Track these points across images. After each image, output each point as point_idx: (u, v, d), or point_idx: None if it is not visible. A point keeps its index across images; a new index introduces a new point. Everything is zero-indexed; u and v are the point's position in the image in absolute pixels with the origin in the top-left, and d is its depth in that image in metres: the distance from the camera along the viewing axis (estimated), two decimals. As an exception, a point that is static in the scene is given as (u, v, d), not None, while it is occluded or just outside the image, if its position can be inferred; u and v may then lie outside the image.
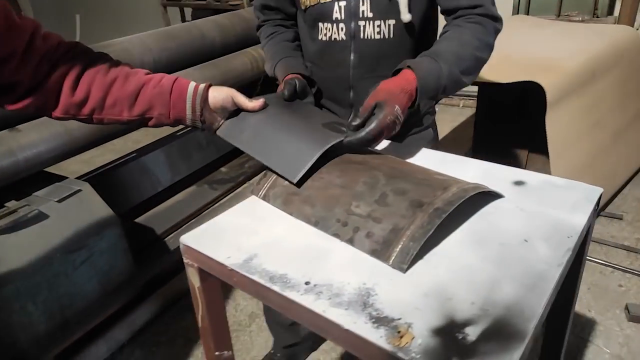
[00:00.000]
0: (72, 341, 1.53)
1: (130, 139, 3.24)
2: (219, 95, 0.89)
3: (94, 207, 1.60)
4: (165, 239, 2.14)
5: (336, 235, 0.73)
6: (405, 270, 0.65)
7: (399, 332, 0.55)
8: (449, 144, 3.11)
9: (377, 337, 0.55)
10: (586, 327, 1.70)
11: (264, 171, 0.88)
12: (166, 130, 2.54)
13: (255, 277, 0.65)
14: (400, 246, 0.67)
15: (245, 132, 0.88)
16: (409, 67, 0.89)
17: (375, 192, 0.75)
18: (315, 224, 0.76)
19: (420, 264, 0.67)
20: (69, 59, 0.82)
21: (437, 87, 0.90)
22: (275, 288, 0.63)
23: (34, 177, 1.60)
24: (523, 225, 0.74)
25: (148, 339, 1.68)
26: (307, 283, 0.64)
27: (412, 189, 0.74)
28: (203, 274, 0.74)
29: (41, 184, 1.61)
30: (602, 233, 2.18)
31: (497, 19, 0.98)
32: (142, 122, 0.88)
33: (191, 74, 2.02)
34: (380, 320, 0.57)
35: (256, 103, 0.91)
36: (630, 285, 1.88)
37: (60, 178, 1.66)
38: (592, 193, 0.81)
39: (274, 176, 0.86)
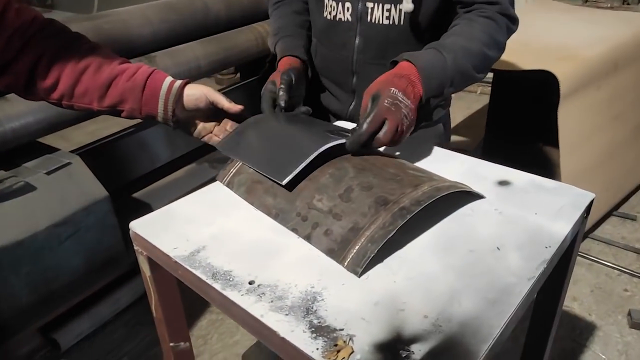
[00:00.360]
0: (56, 315, 1.53)
1: (137, 112, 3.24)
2: (194, 94, 0.83)
3: (83, 181, 1.58)
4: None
5: (295, 230, 0.68)
6: (359, 274, 0.60)
7: (336, 345, 0.50)
8: (462, 132, 3.00)
9: (313, 349, 0.50)
10: (585, 331, 1.63)
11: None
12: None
13: (197, 272, 0.61)
14: (357, 247, 0.61)
15: (242, 144, 0.82)
16: (406, 59, 0.82)
17: (341, 185, 0.69)
18: (275, 217, 0.71)
19: (377, 268, 0.61)
20: (42, 37, 0.78)
21: (443, 79, 0.82)
22: (216, 286, 0.59)
23: (26, 147, 1.58)
24: (498, 230, 0.67)
25: (132, 318, 1.67)
26: (251, 282, 0.59)
27: (379, 185, 0.68)
28: (153, 263, 0.70)
29: (34, 154, 1.59)
30: (613, 234, 2.08)
31: (514, 20, 0.92)
32: (113, 113, 0.84)
33: (192, 48, 1.97)
34: (320, 330, 0.52)
35: (236, 107, 0.85)
36: (636, 290, 1.79)
37: (52, 150, 1.63)
38: (581, 199, 0.73)
39: (240, 162, 0.81)
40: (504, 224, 0.68)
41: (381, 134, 0.73)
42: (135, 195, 2.15)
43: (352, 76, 1.04)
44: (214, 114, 0.87)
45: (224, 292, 0.58)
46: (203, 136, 0.89)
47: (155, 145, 2.22)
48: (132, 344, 1.61)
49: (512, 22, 0.92)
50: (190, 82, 0.85)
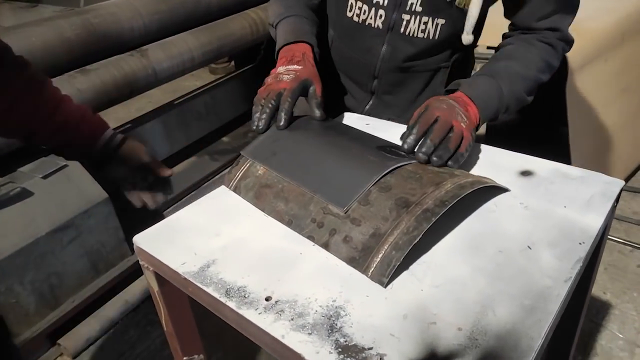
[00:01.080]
0: (64, 320, 1.50)
1: (133, 107, 3.17)
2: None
3: (81, 184, 1.53)
4: (164, 212, 2.08)
5: (310, 237, 0.64)
6: (385, 285, 0.56)
7: (366, 367, 0.46)
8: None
9: (341, 372, 0.46)
10: (600, 310, 1.61)
11: (237, 158, 0.78)
12: (163, 100, 2.45)
13: (209, 290, 0.57)
14: (381, 255, 0.57)
15: (278, 155, 0.74)
16: (461, 90, 0.80)
17: (357, 187, 0.65)
18: (289, 224, 0.67)
19: (402, 276, 0.57)
20: None
21: (499, 107, 0.82)
22: (231, 304, 0.55)
23: (20, 150, 1.53)
24: (527, 227, 0.63)
25: (142, 318, 1.64)
26: (267, 299, 0.55)
27: (398, 184, 0.63)
28: (161, 277, 0.66)
29: (28, 158, 1.54)
30: (624, 209, 2.04)
31: (570, 43, 0.90)
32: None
33: (185, 39, 1.90)
34: (347, 350, 0.48)
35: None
36: (650, 267, 1.77)
37: (48, 152, 1.58)
38: (611, 187, 0.69)
39: (247, 164, 0.76)
40: (532, 219, 0.64)
41: (435, 127, 0.70)
42: (136, 192, 2.11)
43: (373, 80, 0.98)
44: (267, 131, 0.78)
45: (240, 311, 0.54)
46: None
47: (153, 140, 2.17)
48: (144, 345, 1.58)
49: (568, 46, 0.90)
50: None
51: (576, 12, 0.88)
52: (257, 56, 2.55)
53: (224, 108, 2.46)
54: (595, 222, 0.63)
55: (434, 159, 0.68)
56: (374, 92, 1.01)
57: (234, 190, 0.75)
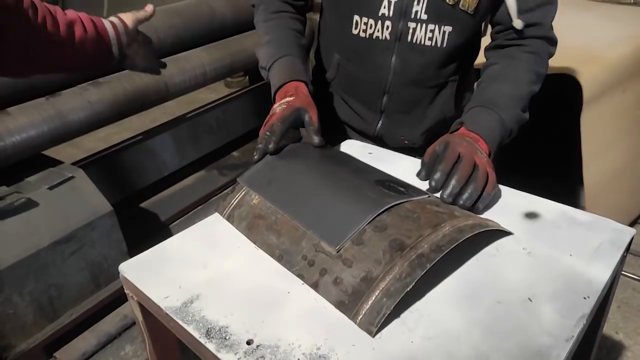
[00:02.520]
0: (60, 333, 1.49)
1: (147, 117, 3.19)
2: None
3: (86, 196, 1.53)
4: (170, 226, 2.08)
5: (300, 276, 0.61)
6: (374, 334, 0.53)
7: None
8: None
9: None
10: (612, 351, 1.54)
11: (233, 185, 0.77)
12: (178, 111, 2.46)
13: (190, 329, 0.54)
14: (371, 302, 0.54)
15: (274, 184, 0.72)
16: (466, 128, 0.82)
17: (351, 224, 0.62)
18: (279, 259, 0.64)
19: (392, 324, 0.54)
20: None
21: (503, 135, 0.83)
22: (210, 347, 0.52)
23: (30, 160, 1.54)
24: (529, 276, 0.60)
25: (139, 334, 1.62)
26: (249, 342, 0.52)
27: (394, 224, 0.61)
28: (145, 309, 0.64)
29: (37, 167, 1.55)
30: (639, 243, 1.97)
31: (554, 42, 0.89)
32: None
33: (198, 54, 1.91)
34: (327, 406, 0.46)
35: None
36: (666, 306, 1.70)
37: (56, 163, 1.59)
38: (620, 235, 0.65)
39: (242, 192, 0.74)
40: (534, 268, 0.61)
41: (460, 165, 0.70)
42: (143, 205, 2.11)
43: (383, 96, 0.97)
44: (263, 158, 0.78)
45: (219, 355, 0.51)
46: None
47: (163, 153, 2.18)
48: (139, 362, 1.56)
49: (552, 45, 0.89)
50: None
51: (557, 5, 0.88)
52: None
53: (235, 123, 2.46)
54: (602, 274, 0.59)
55: (465, 200, 0.68)
56: (383, 111, 0.99)
57: (227, 219, 0.73)
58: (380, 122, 1.01)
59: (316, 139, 0.78)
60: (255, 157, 0.76)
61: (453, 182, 0.68)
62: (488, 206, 0.71)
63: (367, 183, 0.69)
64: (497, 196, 0.75)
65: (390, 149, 0.91)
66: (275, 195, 0.70)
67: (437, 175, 0.70)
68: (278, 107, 0.80)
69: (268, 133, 0.76)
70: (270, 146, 0.75)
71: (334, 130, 1.06)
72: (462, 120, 0.83)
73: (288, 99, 0.81)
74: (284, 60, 0.91)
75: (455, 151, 0.72)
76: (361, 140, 0.97)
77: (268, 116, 0.81)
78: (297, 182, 0.71)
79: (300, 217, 0.65)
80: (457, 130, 0.83)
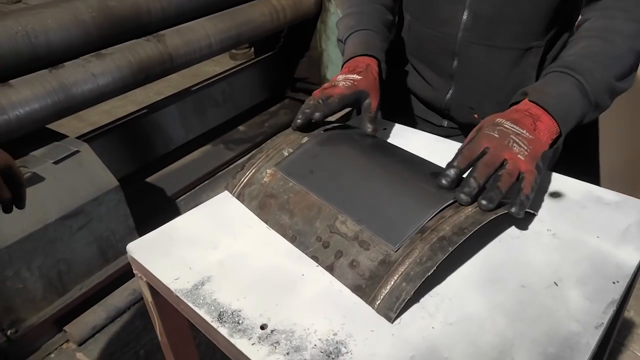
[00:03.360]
0: (70, 307, 1.49)
1: (152, 90, 3.15)
2: None
3: (92, 170, 1.51)
4: (177, 200, 2.06)
5: (315, 258, 0.59)
6: (392, 320, 0.51)
7: (365, 419, 0.42)
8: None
9: (337, 422, 0.42)
10: (622, 328, 1.53)
11: (242, 162, 0.74)
12: (182, 84, 2.42)
13: (202, 312, 0.53)
14: (389, 286, 0.52)
15: (317, 173, 0.66)
16: (529, 99, 0.65)
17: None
18: (292, 240, 0.62)
19: (412, 309, 0.52)
20: None
21: (583, 108, 0.65)
22: (223, 331, 0.50)
23: (34, 134, 1.51)
24: (554, 259, 0.57)
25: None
26: (263, 327, 0.50)
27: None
28: (154, 289, 0.62)
29: (41, 141, 1.53)
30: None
31: None
32: None
33: (203, 25, 1.85)
34: (345, 395, 0.44)
35: None
36: (679, 284, 1.67)
37: (61, 137, 1.57)
38: (651, 216, 0.62)
39: (253, 170, 0.71)
40: (560, 250, 0.58)
41: (480, 163, 0.58)
42: (149, 179, 2.09)
43: (453, 58, 0.88)
44: (302, 145, 0.71)
45: (232, 340, 0.49)
46: None
47: (168, 127, 2.14)
48: (150, 336, 1.57)
49: None
50: None
51: None
52: (277, 44, 2.49)
53: (241, 96, 2.42)
54: (632, 257, 0.57)
55: (483, 202, 0.55)
56: (453, 76, 0.90)
57: (237, 198, 0.70)
58: (451, 90, 0.92)
59: (369, 127, 0.73)
60: (299, 120, 0.70)
61: (470, 180, 0.57)
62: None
63: (421, 175, 0.63)
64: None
65: (459, 128, 0.84)
66: (319, 185, 0.64)
67: (451, 172, 0.58)
68: (342, 81, 0.73)
69: (320, 101, 0.70)
70: (317, 115, 0.69)
71: (397, 107, 1.00)
72: (526, 90, 0.66)
73: (355, 76, 0.75)
74: (361, 34, 0.84)
75: (479, 145, 0.59)
76: (427, 117, 0.89)
77: (329, 83, 0.75)
78: (344, 173, 0.65)
79: (350, 211, 0.60)
80: (518, 102, 0.67)
